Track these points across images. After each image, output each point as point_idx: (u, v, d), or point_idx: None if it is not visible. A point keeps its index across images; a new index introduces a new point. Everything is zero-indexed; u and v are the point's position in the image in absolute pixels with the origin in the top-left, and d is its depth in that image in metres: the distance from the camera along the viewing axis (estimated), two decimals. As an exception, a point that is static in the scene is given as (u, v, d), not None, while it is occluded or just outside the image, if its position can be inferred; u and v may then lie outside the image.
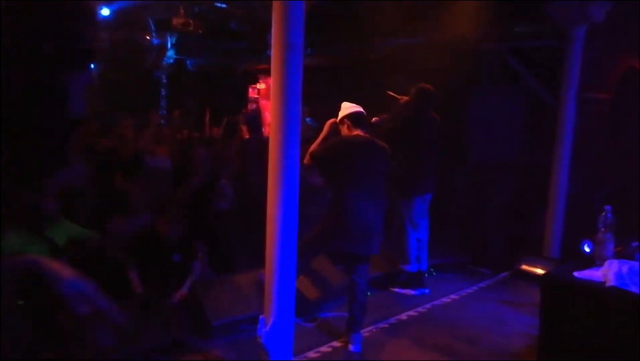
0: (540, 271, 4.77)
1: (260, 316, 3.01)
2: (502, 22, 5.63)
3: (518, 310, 4.28)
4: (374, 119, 4.32)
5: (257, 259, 3.31)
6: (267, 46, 7.37)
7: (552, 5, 4.97)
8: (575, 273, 2.65)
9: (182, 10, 6.27)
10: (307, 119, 7.73)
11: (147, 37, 7.75)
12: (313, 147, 3.61)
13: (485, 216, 5.75)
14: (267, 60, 2.88)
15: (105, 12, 5.99)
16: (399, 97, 4.63)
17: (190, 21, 6.31)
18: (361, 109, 3.60)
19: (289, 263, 2.95)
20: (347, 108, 3.59)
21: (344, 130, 3.57)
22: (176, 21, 6.15)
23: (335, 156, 3.48)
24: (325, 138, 3.64)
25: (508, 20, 5.55)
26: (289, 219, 2.92)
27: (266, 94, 9.35)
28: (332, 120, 3.69)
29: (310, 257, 3.65)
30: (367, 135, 3.58)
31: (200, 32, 6.74)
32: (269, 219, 2.94)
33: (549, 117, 5.25)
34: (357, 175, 3.43)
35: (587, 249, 3.88)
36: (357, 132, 3.53)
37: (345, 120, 3.56)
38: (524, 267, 5.05)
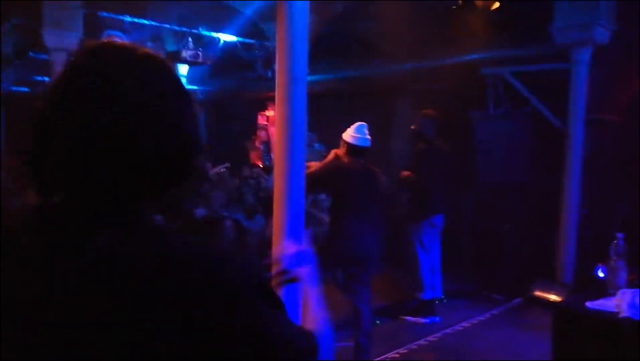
0: (554, 297, 4.68)
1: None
2: (506, 46, 5.67)
3: (532, 338, 4.17)
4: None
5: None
6: (275, 74, 7.46)
7: (555, 28, 4.99)
8: (588, 304, 2.59)
9: (191, 42, 6.43)
10: (316, 145, 7.77)
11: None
12: (310, 169, 3.65)
13: (495, 239, 5.68)
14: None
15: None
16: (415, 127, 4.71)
17: (199, 52, 6.46)
18: (367, 140, 3.62)
19: (294, 293, 2.93)
20: (353, 136, 3.60)
21: (340, 151, 3.64)
22: (186, 53, 6.31)
23: (327, 180, 3.57)
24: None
25: (512, 44, 5.59)
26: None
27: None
28: (336, 151, 3.72)
29: None
30: (360, 161, 3.62)
31: (209, 62, 6.90)
32: (274, 248, 2.93)
33: (556, 140, 5.23)
34: (351, 199, 3.53)
35: (601, 274, 3.80)
36: (352, 159, 3.59)
37: (344, 144, 3.61)
38: (538, 293, 4.95)
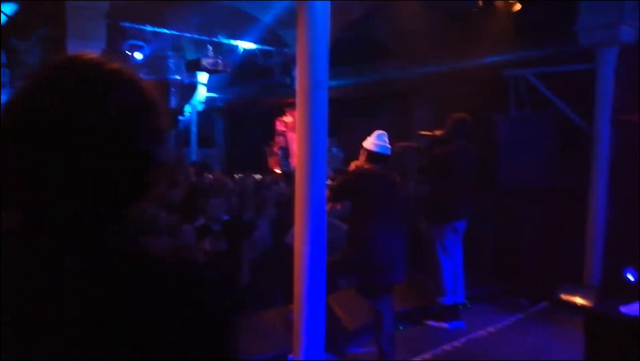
0: (580, 301, 4.56)
1: (289, 356, 2.96)
2: (529, 47, 5.58)
3: (559, 343, 4.07)
4: (396, 145, 4.39)
5: (287, 295, 3.29)
6: (294, 80, 7.52)
7: (580, 28, 4.89)
8: (622, 308, 2.52)
9: (211, 50, 6.51)
10: (334, 149, 7.78)
11: (179, 77, 8.07)
12: (334, 183, 3.68)
13: (518, 243, 5.58)
14: (294, 93, 2.94)
15: (138, 56, 6.26)
16: (431, 133, 4.67)
17: (219, 61, 6.54)
18: (387, 148, 3.62)
19: (317, 301, 2.91)
20: (374, 143, 3.61)
21: (361, 159, 3.66)
22: (206, 61, 6.40)
23: (350, 189, 3.57)
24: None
25: (535, 45, 5.51)
26: (316, 254, 2.89)
27: (294, 127, 9.47)
28: (356, 163, 3.75)
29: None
30: (381, 168, 3.61)
31: (228, 70, 6.98)
32: (296, 254, 2.92)
33: (580, 141, 5.12)
34: (373, 206, 3.51)
35: (630, 277, 3.69)
36: (373, 166, 3.58)
37: (365, 152, 3.62)
38: (564, 296, 4.83)
